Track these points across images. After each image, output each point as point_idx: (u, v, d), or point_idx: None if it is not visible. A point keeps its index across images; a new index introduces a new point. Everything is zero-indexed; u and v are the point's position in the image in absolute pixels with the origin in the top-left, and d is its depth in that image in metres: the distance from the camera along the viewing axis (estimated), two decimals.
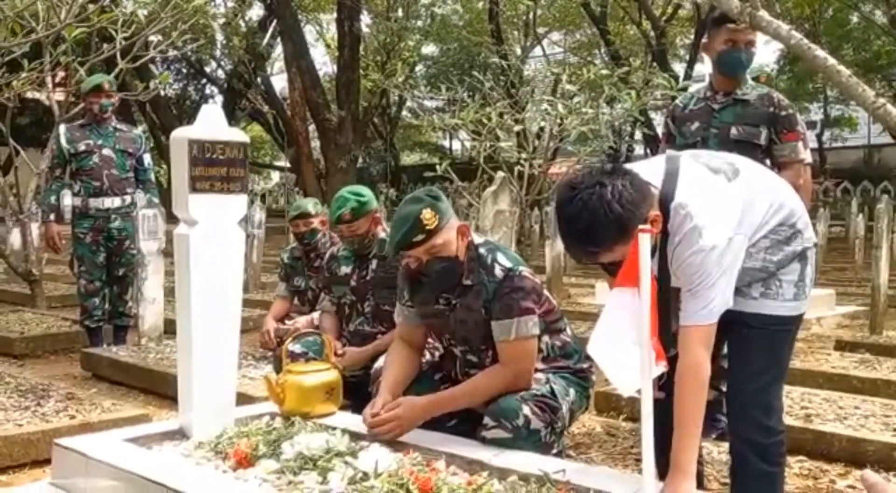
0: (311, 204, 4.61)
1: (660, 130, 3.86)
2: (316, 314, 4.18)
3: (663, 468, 2.41)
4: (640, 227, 1.91)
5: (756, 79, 4.55)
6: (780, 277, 2.33)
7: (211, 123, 2.86)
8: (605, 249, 2.15)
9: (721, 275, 2.16)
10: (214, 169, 2.81)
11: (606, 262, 2.24)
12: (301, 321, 4.28)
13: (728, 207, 2.22)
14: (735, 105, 3.40)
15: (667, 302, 2.29)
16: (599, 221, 2.08)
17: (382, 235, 3.67)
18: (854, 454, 3.36)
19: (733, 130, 3.37)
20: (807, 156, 3.41)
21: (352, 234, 3.67)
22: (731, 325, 2.36)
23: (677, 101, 3.74)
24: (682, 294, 2.21)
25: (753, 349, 2.32)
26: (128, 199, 5.66)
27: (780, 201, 2.33)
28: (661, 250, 2.26)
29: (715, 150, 3.24)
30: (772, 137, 3.36)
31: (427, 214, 2.65)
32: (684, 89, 6.69)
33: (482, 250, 2.80)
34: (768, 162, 3.34)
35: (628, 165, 2.27)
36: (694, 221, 2.16)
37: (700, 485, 2.57)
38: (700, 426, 2.17)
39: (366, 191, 3.78)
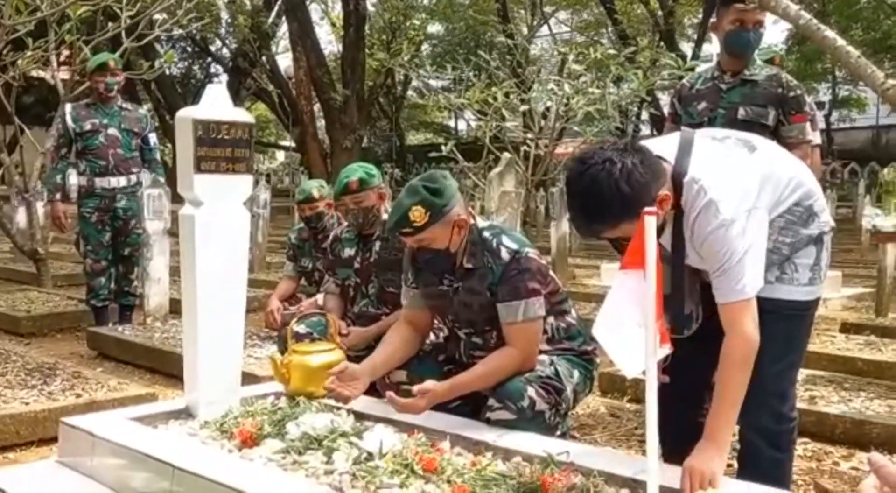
0: (315, 188, 4.58)
1: (666, 111, 3.80)
2: (320, 296, 4.18)
3: (667, 451, 2.42)
4: (646, 209, 1.90)
5: (770, 61, 4.51)
6: (796, 261, 2.31)
7: (216, 102, 2.85)
8: (610, 225, 2.14)
9: (747, 249, 2.13)
10: (220, 150, 2.81)
11: (612, 238, 2.23)
12: (305, 304, 4.29)
13: (744, 179, 2.19)
14: (743, 85, 3.37)
15: (681, 282, 2.28)
16: (606, 199, 2.06)
17: (385, 215, 3.67)
18: (858, 436, 3.36)
19: (741, 111, 3.34)
20: (815, 137, 3.41)
21: (357, 205, 3.64)
22: (771, 311, 2.34)
23: (684, 80, 3.71)
24: (712, 274, 2.19)
25: (769, 335, 2.27)
26: (133, 178, 5.65)
27: (799, 180, 2.30)
28: (675, 227, 2.24)
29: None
30: (780, 118, 3.33)
31: (416, 213, 2.65)
32: (692, 69, 6.64)
33: (487, 235, 2.79)
34: (775, 143, 3.32)
35: (642, 143, 2.25)
36: (708, 195, 2.13)
37: None
38: (741, 401, 2.16)
39: (374, 168, 3.78)
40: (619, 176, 2.05)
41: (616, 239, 2.26)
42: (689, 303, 2.35)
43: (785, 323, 2.31)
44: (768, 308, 2.28)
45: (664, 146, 2.27)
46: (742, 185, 2.18)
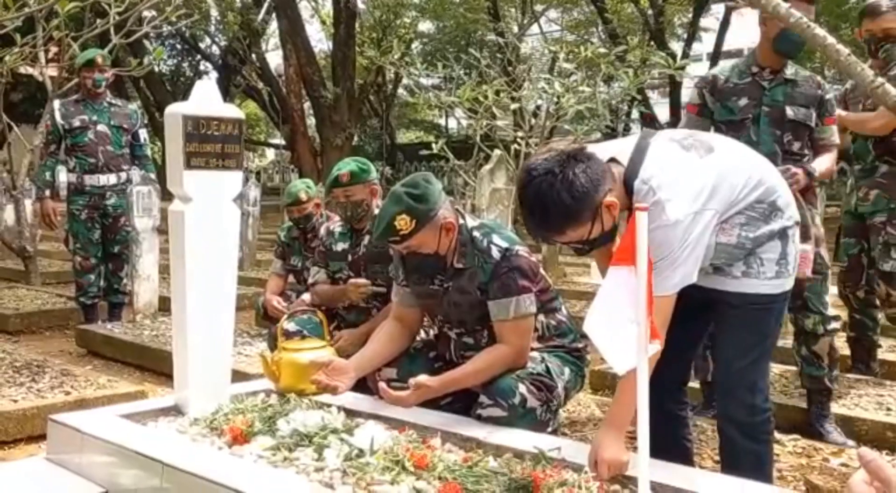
0: (302, 190, 4.54)
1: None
2: (307, 295, 4.17)
3: (657, 447, 2.42)
4: (637, 205, 1.90)
5: None
6: (761, 255, 2.32)
7: (205, 98, 2.84)
8: (557, 232, 2.23)
9: (685, 251, 2.17)
10: (209, 145, 2.80)
11: (564, 242, 2.31)
12: (295, 302, 4.27)
13: (695, 181, 2.22)
14: (785, 84, 3.31)
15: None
16: (550, 209, 2.15)
17: (377, 210, 3.65)
18: (847, 432, 3.38)
19: (789, 111, 3.27)
20: (837, 139, 3.41)
21: (347, 199, 3.64)
22: (715, 305, 2.38)
23: (715, 72, 3.51)
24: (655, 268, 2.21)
25: (737, 328, 2.34)
26: (123, 176, 5.62)
27: (758, 178, 2.32)
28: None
29: (766, 129, 3.27)
30: (815, 120, 3.31)
31: (401, 222, 2.65)
32: (682, 68, 6.66)
33: (477, 234, 2.79)
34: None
35: (595, 146, 2.32)
36: (657, 195, 2.17)
37: (690, 462, 2.58)
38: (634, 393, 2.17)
39: (369, 163, 3.78)
40: (560, 187, 2.13)
41: (568, 244, 2.32)
42: None
43: (752, 316, 2.34)
44: (735, 302, 2.32)
45: (620, 148, 2.31)
46: (693, 186, 2.21)
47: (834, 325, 3.42)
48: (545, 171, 2.16)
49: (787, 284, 2.39)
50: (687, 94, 2.89)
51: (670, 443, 2.50)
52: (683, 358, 2.58)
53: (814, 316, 3.39)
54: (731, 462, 2.41)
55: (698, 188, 2.20)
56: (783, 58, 3.33)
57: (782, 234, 2.34)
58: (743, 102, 3.34)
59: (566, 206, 2.13)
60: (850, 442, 3.30)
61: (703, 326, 2.54)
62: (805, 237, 3.01)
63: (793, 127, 3.27)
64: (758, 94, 3.33)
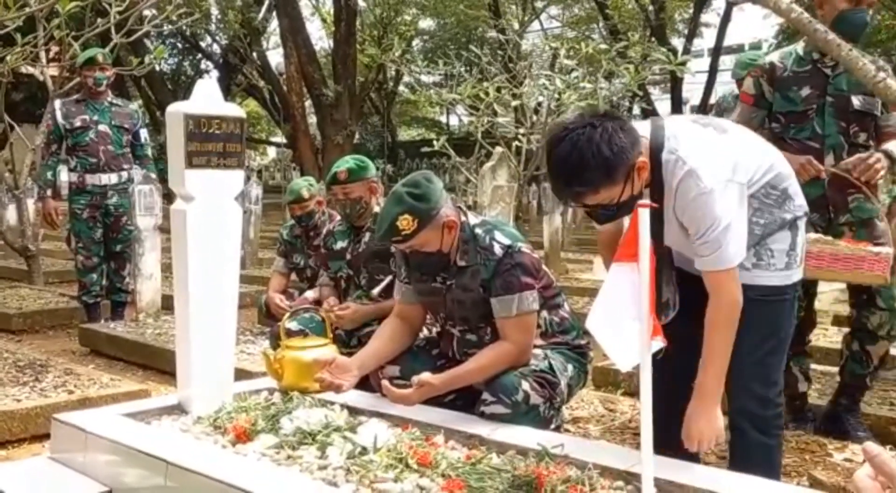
0: (304, 188, 4.55)
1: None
2: (310, 292, 4.17)
3: (661, 443, 2.42)
4: (639, 202, 1.90)
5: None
6: (771, 246, 2.33)
7: (207, 97, 2.84)
8: (591, 190, 2.16)
9: (730, 218, 2.16)
10: (211, 144, 2.80)
11: (591, 204, 2.23)
12: (298, 300, 4.28)
13: (720, 152, 2.22)
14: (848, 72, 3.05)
15: (658, 268, 2.30)
16: (587, 162, 2.09)
17: (377, 208, 3.66)
18: None
19: (855, 101, 3.10)
20: None
21: (345, 196, 3.65)
22: (746, 296, 2.35)
23: (772, 59, 3.27)
24: (696, 242, 2.22)
25: (748, 321, 2.31)
26: (124, 175, 5.63)
27: (770, 163, 2.33)
28: (654, 209, 2.25)
29: (831, 120, 3.12)
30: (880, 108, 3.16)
31: (403, 222, 2.65)
32: (683, 64, 6.65)
33: (479, 231, 2.79)
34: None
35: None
36: (688, 165, 2.17)
37: (697, 459, 2.58)
38: (727, 360, 2.22)
39: (368, 160, 3.78)
40: (599, 139, 2.09)
41: (595, 208, 2.25)
42: (666, 291, 2.38)
43: (764, 308, 2.33)
44: (748, 294, 2.29)
45: (637, 127, 2.29)
46: (720, 156, 2.21)
47: None
48: (583, 124, 2.12)
49: (796, 275, 2.39)
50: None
51: (681, 442, 2.50)
52: (697, 354, 2.57)
53: (880, 314, 3.18)
54: (741, 456, 2.40)
55: (724, 158, 2.21)
56: (849, 41, 3.07)
57: (792, 224, 2.34)
58: (805, 91, 3.14)
59: (605, 159, 2.08)
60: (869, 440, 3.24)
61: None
62: (878, 236, 2.97)
63: (858, 117, 3.11)
64: (821, 82, 3.13)
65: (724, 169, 2.19)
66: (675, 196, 2.21)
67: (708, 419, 2.22)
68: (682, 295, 2.43)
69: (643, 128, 2.28)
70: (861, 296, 3.23)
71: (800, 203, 2.36)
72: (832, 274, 2.86)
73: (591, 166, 2.09)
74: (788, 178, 2.35)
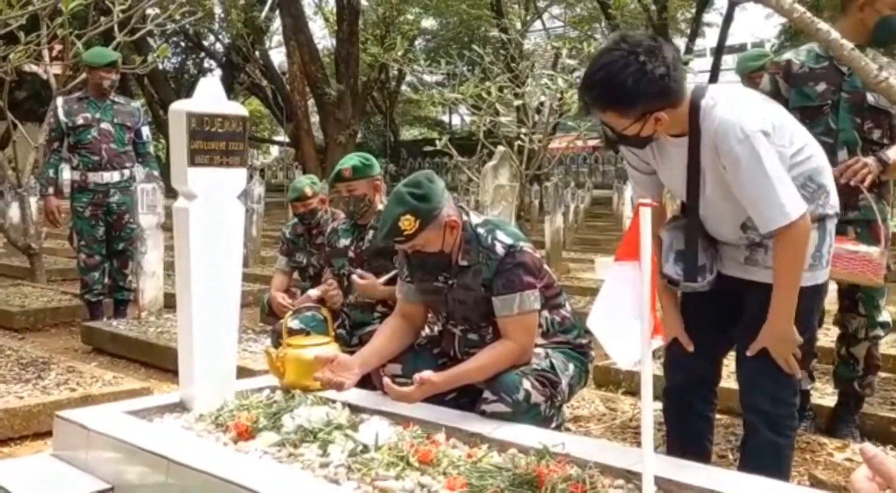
0: (307, 185, 4.56)
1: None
2: (313, 291, 4.18)
3: (678, 446, 2.43)
4: (640, 201, 1.90)
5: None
6: None
7: (209, 96, 2.84)
8: (599, 106, 2.18)
9: (776, 168, 2.13)
10: (213, 143, 2.80)
11: (608, 124, 2.23)
12: (300, 299, 4.28)
13: (761, 107, 2.22)
14: None
15: (695, 233, 2.32)
16: (611, 81, 2.10)
17: (380, 206, 3.66)
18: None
19: (870, 97, 3.10)
20: None
21: (349, 194, 3.66)
22: (745, 297, 2.36)
23: (789, 56, 3.28)
24: (748, 201, 2.19)
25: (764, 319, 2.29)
26: (126, 173, 5.64)
27: (812, 153, 2.29)
28: (690, 160, 2.25)
29: (845, 116, 3.12)
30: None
31: (405, 222, 2.65)
32: (685, 64, 6.64)
33: (481, 231, 2.79)
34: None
35: None
36: (732, 111, 2.16)
37: (708, 458, 2.59)
38: (799, 281, 2.22)
39: (373, 158, 3.79)
40: (635, 71, 2.09)
41: (611, 130, 2.24)
42: (703, 256, 2.36)
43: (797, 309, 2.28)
44: (766, 294, 2.27)
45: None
46: (760, 109, 2.21)
47: (878, 331, 3.31)
48: (644, 47, 2.11)
49: (821, 276, 2.35)
50: (691, 89, 2.68)
51: (693, 443, 2.51)
52: (713, 357, 2.58)
53: (860, 319, 3.30)
54: (752, 454, 2.40)
55: (763, 112, 2.20)
56: (881, 46, 3.16)
57: (822, 224, 2.30)
58: (821, 87, 3.15)
59: (627, 90, 2.09)
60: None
61: (732, 324, 2.47)
62: (875, 238, 2.94)
63: (873, 114, 3.12)
64: (837, 79, 3.14)
65: (764, 120, 2.17)
66: (716, 142, 2.18)
67: (782, 340, 2.25)
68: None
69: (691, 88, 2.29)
70: (845, 301, 3.32)
71: (833, 202, 2.32)
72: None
73: (612, 86, 2.11)
74: (826, 172, 2.31)
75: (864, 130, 3.14)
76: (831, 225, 2.33)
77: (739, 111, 2.16)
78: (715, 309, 2.45)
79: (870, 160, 3.00)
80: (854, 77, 3.09)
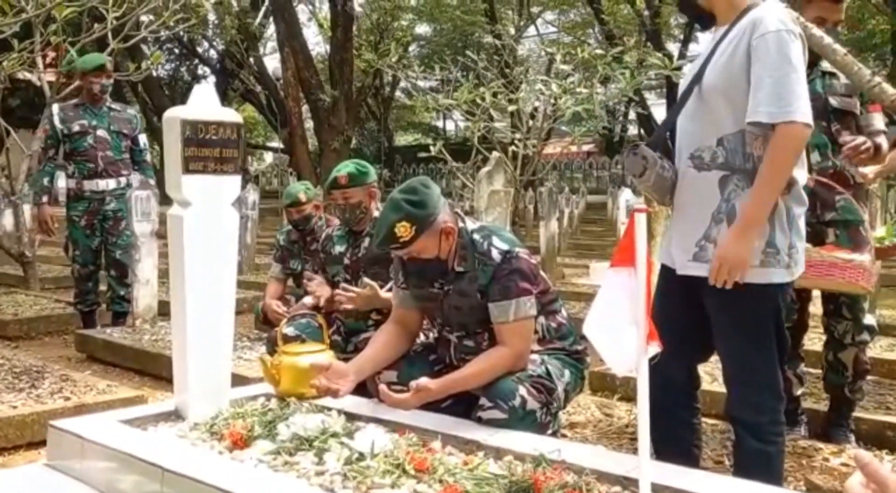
0: (302, 191, 4.56)
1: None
2: (308, 298, 4.17)
3: (665, 452, 2.42)
4: (636, 207, 1.90)
5: None
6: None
7: (203, 102, 2.84)
8: None
9: (799, 66, 2.15)
10: (208, 150, 2.79)
11: None
12: (295, 306, 4.27)
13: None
14: (823, 77, 3.25)
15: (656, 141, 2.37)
16: None
17: (376, 213, 3.66)
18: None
19: (832, 100, 3.21)
20: (883, 126, 3.32)
21: (345, 201, 3.66)
22: (717, 299, 2.31)
23: None
24: (763, 83, 2.19)
25: (734, 322, 2.29)
26: (123, 181, 5.61)
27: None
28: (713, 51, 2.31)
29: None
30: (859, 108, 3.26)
31: (401, 229, 2.65)
32: (678, 69, 6.66)
33: (477, 237, 2.79)
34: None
35: None
36: (776, 18, 2.20)
37: (696, 464, 2.58)
38: (781, 186, 2.19)
39: (369, 165, 3.79)
40: None
41: None
42: (657, 156, 2.38)
43: (754, 309, 2.29)
44: (735, 293, 2.23)
45: None
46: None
47: (865, 336, 3.34)
48: None
49: (789, 276, 2.29)
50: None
51: (678, 449, 2.49)
52: (690, 360, 2.56)
53: (845, 323, 3.32)
54: (741, 463, 2.40)
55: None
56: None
57: (793, 219, 2.28)
58: None
59: None
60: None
61: (708, 326, 2.42)
62: (863, 245, 2.94)
63: (839, 116, 3.20)
64: None
65: (796, 27, 2.21)
66: (753, 24, 2.21)
67: (736, 245, 2.18)
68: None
69: None
70: (829, 305, 3.33)
71: (804, 199, 2.32)
72: (805, 281, 2.69)
73: None
74: (801, 168, 2.31)
75: (831, 132, 3.22)
76: (801, 222, 2.31)
77: (767, 14, 2.20)
78: (682, 311, 2.42)
79: (870, 144, 3.06)
80: (813, 83, 3.16)
